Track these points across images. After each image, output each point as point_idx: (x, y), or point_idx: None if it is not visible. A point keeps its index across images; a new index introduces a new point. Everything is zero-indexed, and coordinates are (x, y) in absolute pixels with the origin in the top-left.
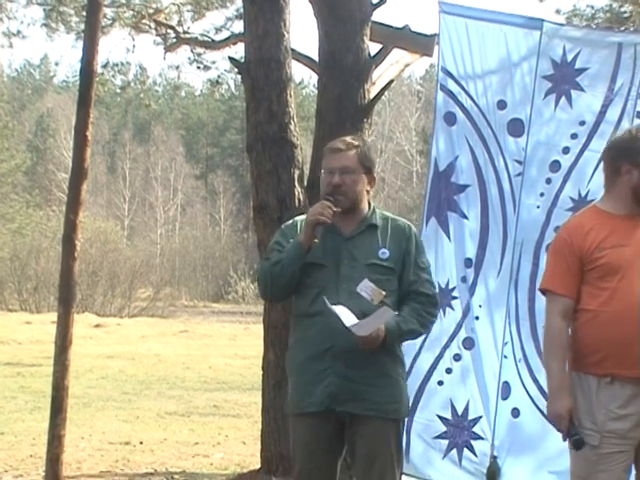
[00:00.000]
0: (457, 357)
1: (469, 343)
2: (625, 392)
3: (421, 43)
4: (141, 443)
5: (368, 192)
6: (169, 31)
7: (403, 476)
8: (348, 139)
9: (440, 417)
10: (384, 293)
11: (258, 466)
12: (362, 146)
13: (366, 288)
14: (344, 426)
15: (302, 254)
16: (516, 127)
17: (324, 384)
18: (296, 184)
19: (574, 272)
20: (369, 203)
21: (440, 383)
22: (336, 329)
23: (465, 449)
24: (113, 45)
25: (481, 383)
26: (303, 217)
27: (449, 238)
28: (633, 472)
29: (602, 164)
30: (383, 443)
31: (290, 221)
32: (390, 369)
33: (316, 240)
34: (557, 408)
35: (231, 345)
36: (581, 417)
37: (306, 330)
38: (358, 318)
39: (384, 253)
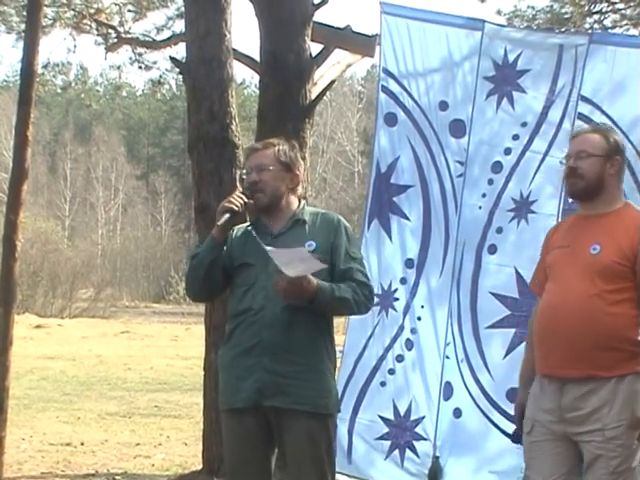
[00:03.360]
0: (400, 358)
1: (411, 344)
2: (551, 387)
3: (363, 44)
4: (82, 444)
5: (294, 190)
6: (110, 31)
7: (345, 477)
8: (268, 140)
9: (382, 418)
10: None
11: (200, 467)
12: (281, 145)
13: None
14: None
15: (214, 245)
16: (458, 128)
17: (252, 379)
18: (237, 184)
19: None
20: (299, 200)
21: (383, 384)
22: (263, 324)
23: (407, 450)
24: (54, 45)
25: (424, 384)
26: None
27: (391, 240)
28: None
29: None
30: (312, 439)
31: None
32: (318, 364)
33: (218, 224)
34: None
35: (172, 346)
36: (527, 405)
37: (235, 327)
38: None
39: (310, 245)
